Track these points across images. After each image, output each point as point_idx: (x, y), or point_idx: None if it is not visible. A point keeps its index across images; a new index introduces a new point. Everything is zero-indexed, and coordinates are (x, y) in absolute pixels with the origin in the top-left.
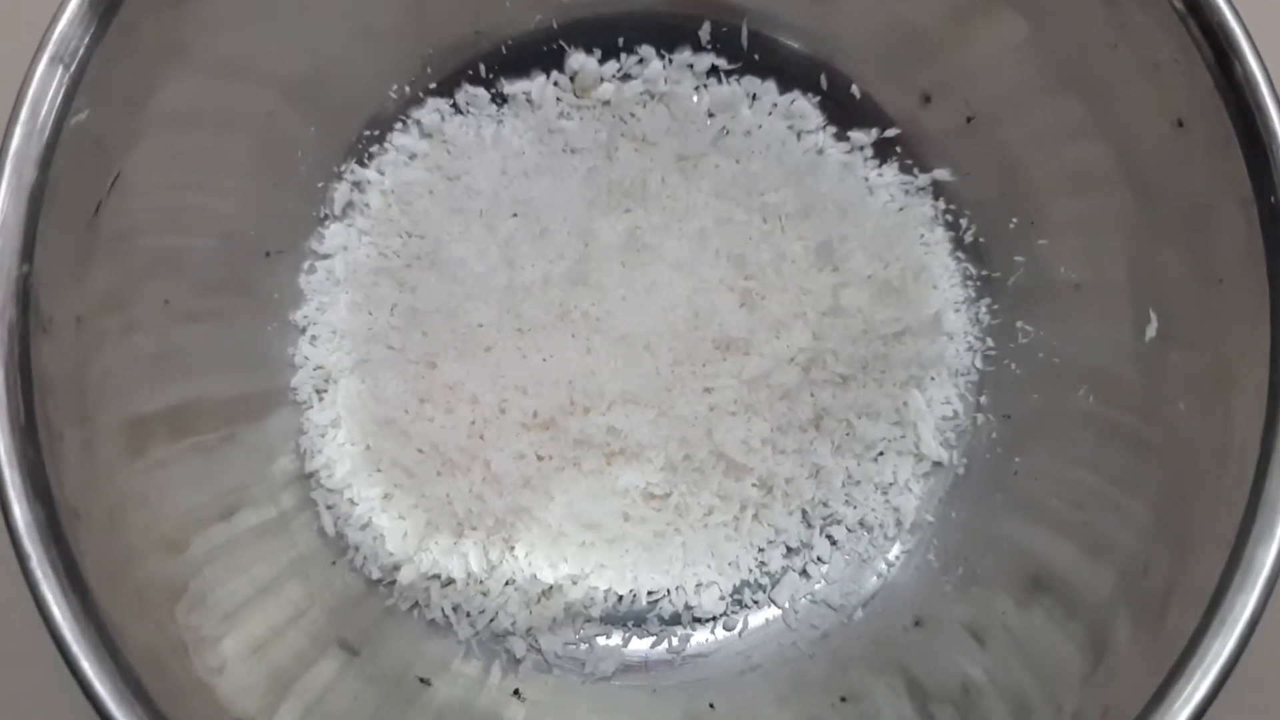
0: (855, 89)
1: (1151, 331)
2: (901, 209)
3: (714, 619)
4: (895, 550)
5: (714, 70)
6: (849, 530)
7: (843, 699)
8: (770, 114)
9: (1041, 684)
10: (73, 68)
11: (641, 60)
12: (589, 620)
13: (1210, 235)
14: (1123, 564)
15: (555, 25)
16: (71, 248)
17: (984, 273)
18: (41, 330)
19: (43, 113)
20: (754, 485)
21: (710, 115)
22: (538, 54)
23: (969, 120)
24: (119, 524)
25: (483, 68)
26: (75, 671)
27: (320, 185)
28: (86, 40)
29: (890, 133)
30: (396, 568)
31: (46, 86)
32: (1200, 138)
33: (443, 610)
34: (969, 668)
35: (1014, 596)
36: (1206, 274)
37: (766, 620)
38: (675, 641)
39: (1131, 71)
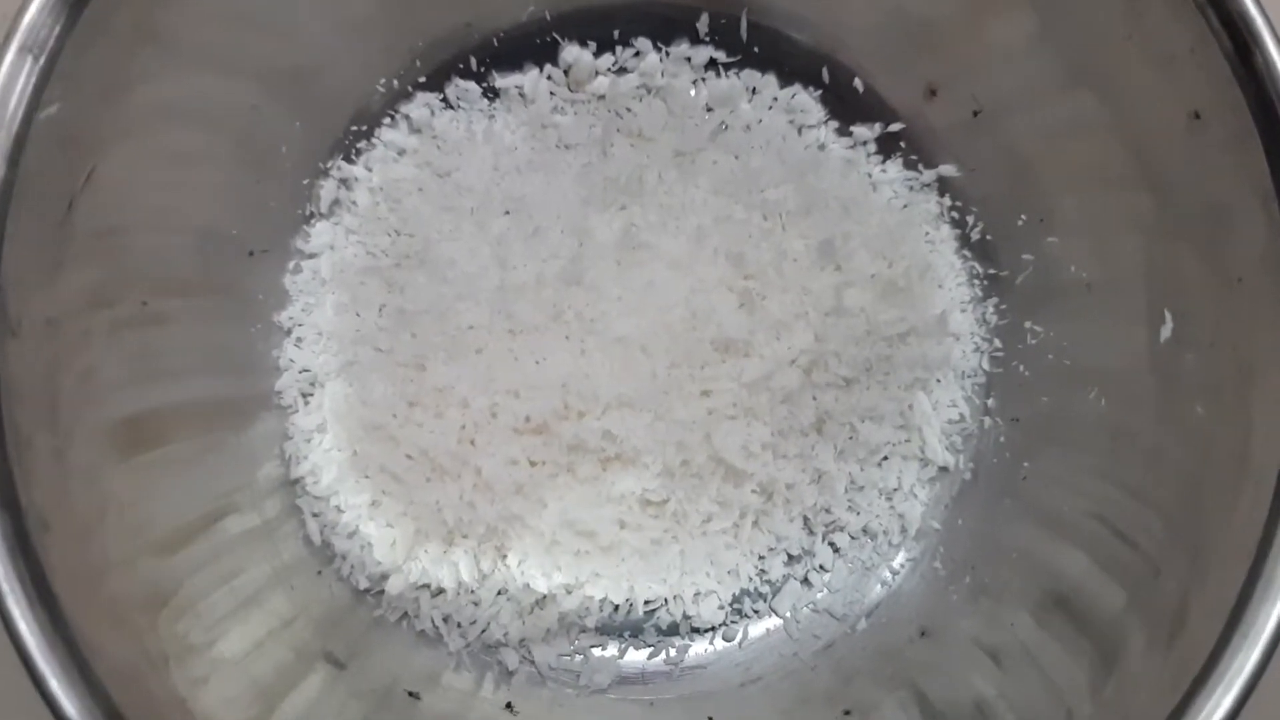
0: (858, 82)
1: (1166, 332)
2: (906, 206)
3: (713, 629)
4: (900, 558)
5: (712, 63)
6: (852, 537)
7: (847, 712)
8: (770, 108)
9: (1056, 700)
10: (43, 58)
11: (638, 53)
12: (584, 631)
13: (1228, 232)
14: (1137, 574)
15: (548, 17)
16: (42, 247)
17: (991, 271)
18: (10, 333)
19: (11, 105)
20: (754, 491)
21: (708, 110)
22: (530, 47)
23: (976, 114)
24: (94, 534)
25: (474, 61)
26: (42, 688)
27: (306, 182)
28: (57, 30)
29: (894, 127)
30: (385, 577)
31: (15, 78)
32: (1218, 131)
33: (432, 621)
34: (980, 683)
35: (1025, 607)
36: (1224, 272)
37: (767, 630)
38: (673, 652)
39: (1146, 63)
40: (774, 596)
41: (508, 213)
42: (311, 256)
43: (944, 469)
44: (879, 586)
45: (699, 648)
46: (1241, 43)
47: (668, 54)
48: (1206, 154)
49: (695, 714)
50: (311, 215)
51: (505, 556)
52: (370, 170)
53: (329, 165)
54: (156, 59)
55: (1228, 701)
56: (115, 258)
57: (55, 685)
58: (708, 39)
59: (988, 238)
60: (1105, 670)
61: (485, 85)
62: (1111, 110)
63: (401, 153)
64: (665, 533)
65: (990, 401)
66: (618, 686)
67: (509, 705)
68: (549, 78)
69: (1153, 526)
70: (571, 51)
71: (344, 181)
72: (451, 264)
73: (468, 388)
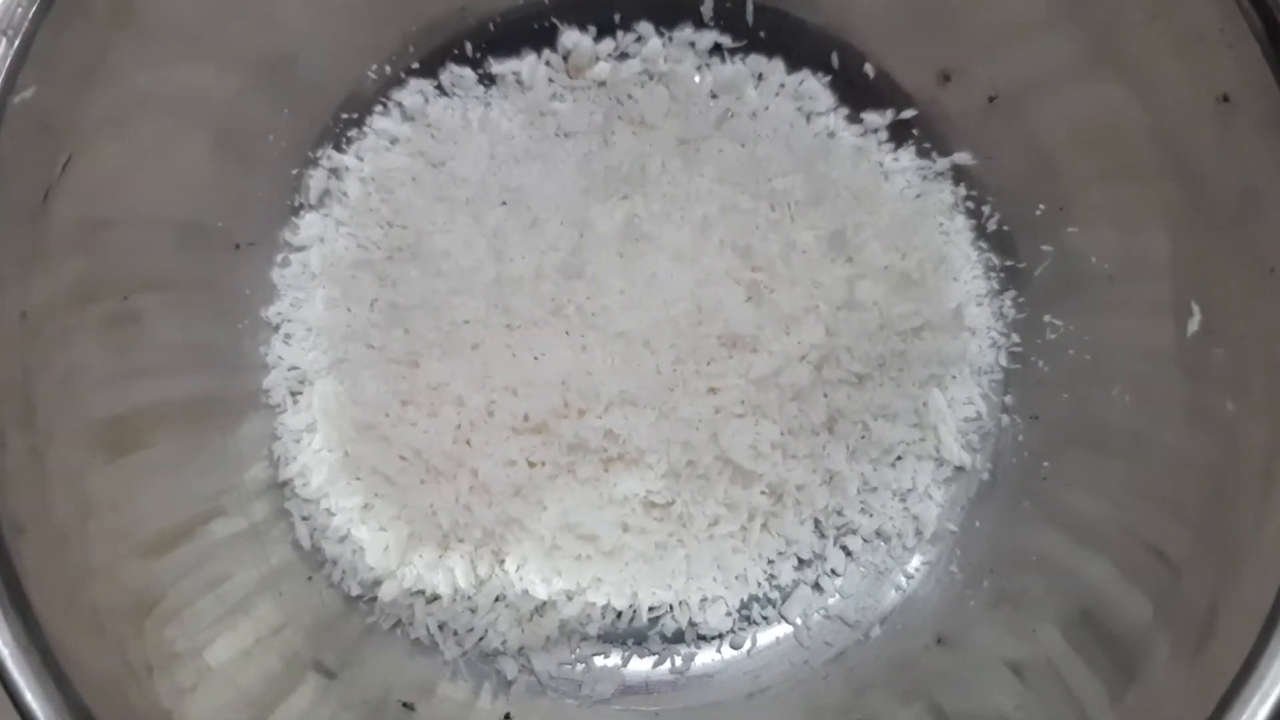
0: (869, 67)
1: (1194, 325)
2: (919, 195)
3: (720, 636)
4: (915, 562)
5: (717, 48)
6: (865, 540)
7: None
8: (778, 94)
9: (1078, 713)
10: (17, 41)
11: (639, 38)
12: (585, 639)
13: (1260, 220)
14: (1163, 580)
15: (546, 1)
16: (16, 237)
17: (1009, 263)
18: None
19: None
20: (763, 493)
21: (713, 96)
22: (528, 31)
23: (992, 100)
24: (74, 538)
25: (469, 46)
26: (16, 699)
27: (294, 172)
28: (33, 11)
29: (907, 114)
30: (377, 583)
31: None
32: (1248, 114)
33: (427, 629)
34: (999, 696)
35: (1045, 614)
36: (1256, 262)
37: (777, 638)
38: (679, 661)
39: (1171, 44)
40: (784, 602)
41: (505, 203)
42: (300, 249)
43: (960, 469)
44: (893, 592)
45: (705, 656)
46: (1273, 22)
47: (671, 39)
48: (1236, 138)
49: None
50: (300, 207)
51: (503, 561)
52: (361, 160)
53: (318, 155)
54: (136, 43)
55: (1263, 713)
56: (95, 251)
57: (30, 696)
58: (712, 23)
59: (1005, 228)
60: (1127, 680)
61: (481, 71)
62: (1135, 94)
63: (394, 141)
64: (670, 536)
65: (1008, 399)
66: (621, 697)
67: (508, 716)
68: (547, 63)
69: (1179, 529)
70: (571, 36)
71: (334, 171)
72: (446, 257)
73: (463, 385)
